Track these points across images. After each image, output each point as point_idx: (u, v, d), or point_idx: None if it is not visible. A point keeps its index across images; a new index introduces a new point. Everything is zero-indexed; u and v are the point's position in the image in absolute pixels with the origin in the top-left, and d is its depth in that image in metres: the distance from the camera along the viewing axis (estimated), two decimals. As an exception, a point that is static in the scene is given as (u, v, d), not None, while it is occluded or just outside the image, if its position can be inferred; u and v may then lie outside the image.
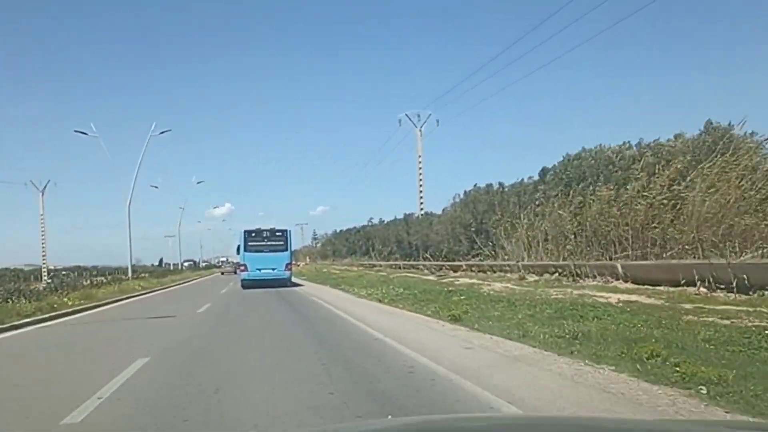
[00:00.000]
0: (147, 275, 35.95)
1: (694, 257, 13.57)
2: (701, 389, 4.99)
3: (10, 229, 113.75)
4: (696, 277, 11.85)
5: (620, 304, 12.03)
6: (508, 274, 21.68)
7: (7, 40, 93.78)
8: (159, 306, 17.26)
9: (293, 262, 34.65)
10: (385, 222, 55.84)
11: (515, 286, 18.07)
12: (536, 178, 27.31)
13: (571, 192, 20.46)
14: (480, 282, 20.56)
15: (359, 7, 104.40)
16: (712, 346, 6.78)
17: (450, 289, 19.52)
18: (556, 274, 18.50)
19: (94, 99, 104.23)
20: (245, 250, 26.40)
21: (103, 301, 17.85)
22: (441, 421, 2.65)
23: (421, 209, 44.36)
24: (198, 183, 57.35)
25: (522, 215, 23.80)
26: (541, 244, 22.16)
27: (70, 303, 15.72)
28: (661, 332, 7.98)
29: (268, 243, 26.49)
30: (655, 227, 15.78)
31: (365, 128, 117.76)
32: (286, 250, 27.00)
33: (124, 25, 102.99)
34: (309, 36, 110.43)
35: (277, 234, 27.01)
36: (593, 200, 18.04)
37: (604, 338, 7.88)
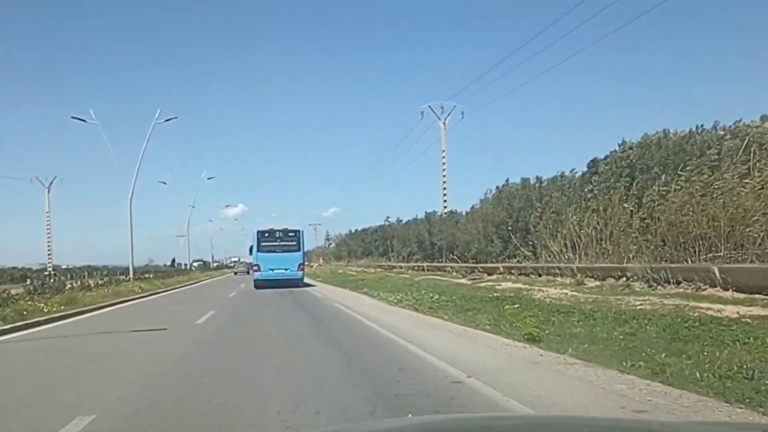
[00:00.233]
0: (151, 276, 33.40)
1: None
2: None
3: (22, 227, 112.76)
4: None
5: (748, 320, 9.13)
6: (559, 278, 18.76)
7: (8, 38, 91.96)
8: (152, 314, 14.58)
9: (306, 263, 36.24)
10: (404, 221, 53.04)
11: (576, 293, 15.14)
12: (583, 170, 24.36)
13: (635, 183, 17.50)
14: (527, 287, 17.66)
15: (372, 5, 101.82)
16: None
17: (495, 295, 16.71)
18: (623, 278, 15.56)
19: (102, 99, 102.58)
20: (258, 251, 26.36)
21: (89, 307, 15.23)
22: (456, 420, 2.68)
23: (445, 207, 41.48)
24: (209, 179, 54.82)
25: (569, 211, 20.87)
26: (596, 243, 19.22)
27: (46, 309, 13.09)
28: None
29: (281, 243, 26.50)
30: (757, 221, 12.80)
31: (379, 129, 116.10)
32: (299, 250, 27.02)
33: (131, 24, 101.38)
34: (322, 34, 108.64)
35: (290, 234, 27.04)
36: (668, 191, 15.07)
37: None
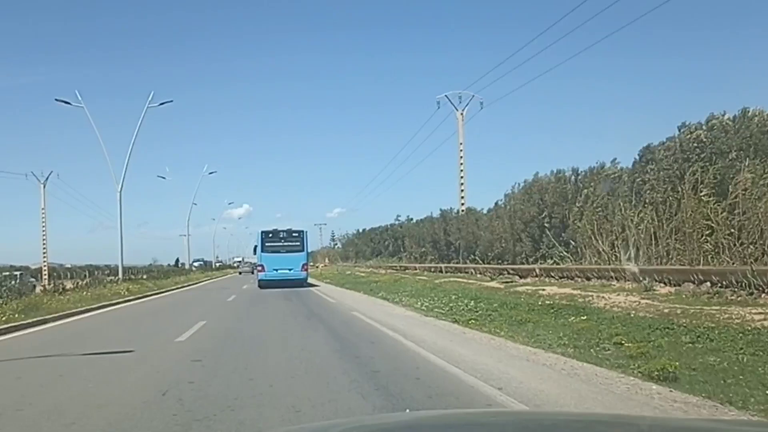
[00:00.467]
0: (145, 276, 30.72)
1: None
2: None
3: (24, 225, 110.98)
4: None
5: None
6: (614, 282, 15.89)
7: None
8: (126, 325, 11.78)
9: (311, 264, 36.31)
10: (416, 220, 50.20)
11: (649, 301, 12.26)
12: (619, 159, 21.49)
13: (710, 170, 14.62)
14: (579, 292, 14.81)
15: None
16: None
17: (546, 303, 13.91)
18: (705, 283, 12.68)
19: (112, 99, 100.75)
20: (262, 251, 26.31)
21: (54, 315, 12.45)
22: (452, 415, 2.64)
23: (462, 205, 38.58)
24: (210, 173, 52.42)
25: (623, 205, 18.01)
26: (656, 241, 16.36)
27: (-9, 319, 10.32)
28: None
29: (285, 244, 26.47)
30: None
31: (387, 128, 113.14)
32: (303, 250, 26.96)
33: (138, 23, 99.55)
34: (328, 31, 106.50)
35: (294, 235, 27.04)
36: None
37: None
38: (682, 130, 17.24)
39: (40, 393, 5.39)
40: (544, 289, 16.74)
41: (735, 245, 13.17)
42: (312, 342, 8.28)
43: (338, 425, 2.18)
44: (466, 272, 28.11)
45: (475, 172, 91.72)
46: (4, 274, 19.78)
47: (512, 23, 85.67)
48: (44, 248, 62.20)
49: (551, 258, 23.18)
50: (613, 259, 18.00)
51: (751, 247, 12.75)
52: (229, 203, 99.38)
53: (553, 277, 19.53)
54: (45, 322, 11.63)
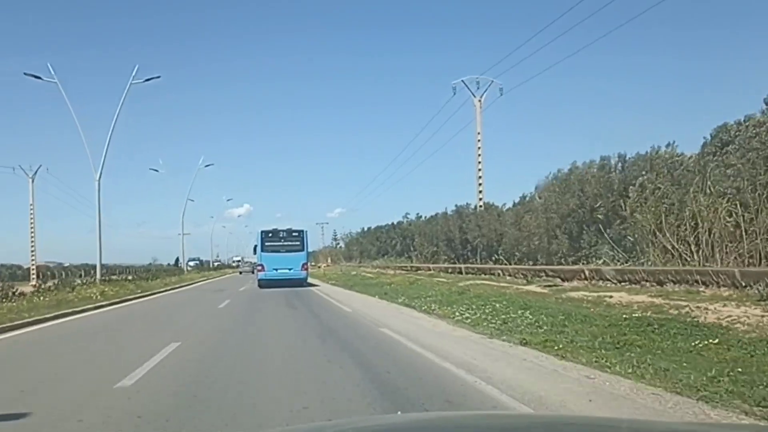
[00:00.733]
0: (131, 277, 27.57)
1: None
2: None
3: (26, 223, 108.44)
4: None
5: None
6: (701, 288, 12.68)
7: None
8: (57, 352, 8.17)
9: (313, 263, 33.86)
10: (426, 217, 46.96)
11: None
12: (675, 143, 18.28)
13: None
14: (665, 302, 11.60)
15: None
16: None
17: (634, 315, 10.75)
18: None
19: (112, 99, 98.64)
20: (262, 250, 26.19)
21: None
22: (450, 417, 2.62)
23: (480, 200, 35.38)
24: (206, 166, 49.78)
25: (699, 196, 14.83)
26: (747, 237, 13.21)
27: None
28: None
29: (285, 243, 26.37)
30: None
31: (385, 130, 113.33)
32: (303, 250, 26.83)
33: (141, 22, 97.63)
34: (330, 30, 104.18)
35: (294, 234, 26.94)
36: None
37: None
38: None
39: None
40: (610, 296, 13.53)
41: None
42: (339, 391, 5.04)
43: (332, 426, 2.13)
44: (492, 273, 24.91)
45: (492, 166, 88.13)
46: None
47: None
48: (32, 246, 58.96)
49: (598, 257, 20.01)
50: (686, 258, 14.89)
51: None
52: (228, 199, 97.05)
53: (609, 280, 16.32)
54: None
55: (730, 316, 9.57)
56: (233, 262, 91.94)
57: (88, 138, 21.49)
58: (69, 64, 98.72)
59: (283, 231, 27.29)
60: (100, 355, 7.66)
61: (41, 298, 14.50)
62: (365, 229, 69.87)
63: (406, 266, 42.70)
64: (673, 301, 11.66)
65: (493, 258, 29.05)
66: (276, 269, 25.75)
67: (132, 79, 22.10)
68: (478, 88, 36.04)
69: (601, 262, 18.89)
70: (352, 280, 32.17)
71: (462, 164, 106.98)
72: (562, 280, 18.98)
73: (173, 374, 6.09)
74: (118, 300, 17.65)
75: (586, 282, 17.49)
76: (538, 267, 21.43)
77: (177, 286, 28.77)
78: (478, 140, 35.70)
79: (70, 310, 13.48)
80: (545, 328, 9.95)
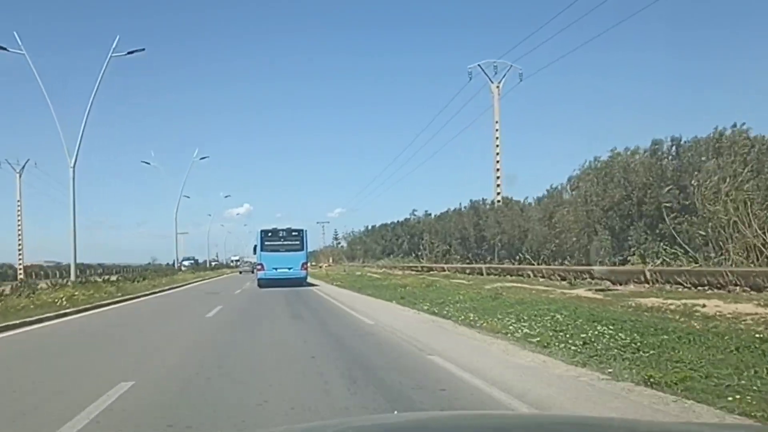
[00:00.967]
0: (117, 278, 24.73)
1: None
2: None
3: (29, 223, 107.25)
4: None
5: None
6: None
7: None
8: None
9: (314, 263, 32.86)
10: (436, 214, 44.10)
11: None
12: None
13: None
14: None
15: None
16: None
17: (758, 336, 7.87)
18: None
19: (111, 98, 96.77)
20: (262, 250, 26.20)
21: None
22: (447, 417, 2.60)
23: (499, 194, 32.54)
24: (201, 159, 47.78)
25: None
26: None
27: None
28: None
29: (285, 243, 26.34)
30: None
31: (385, 130, 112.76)
32: (302, 249, 26.74)
33: (141, 22, 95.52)
34: (329, 34, 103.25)
35: (294, 234, 26.88)
36: None
37: None
38: None
39: None
40: (702, 305, 10.69)
41: None
42: None
43: (330, 426, 2.13)
44: (519, 275, 22.11)
45: (510, 159, 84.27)
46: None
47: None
48: (20, 244, 56.20)
49: (650, 256, 17.18)
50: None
51: None
52: (226, 196, 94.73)
53: (680, 284, 13.48)
54: None
55: None
56: (231, 261, 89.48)
57: (71, 124, 18.61)
58: (69, 64, 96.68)
59: (282, 230, 27.09)
60: (21, 406, 4.80)
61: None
62: (369, 227, 67.06)
63: (415, 266, 39.88)
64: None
65: (518, 257, 26.28)
66: (276, 268, 25.64)
67: (112, 51, 19.26)
68: (495, 73, 33.24)
69: (659, 262, 16.08)
70: (359, 282, 29.33)
71: (472, 159, 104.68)
72: (613, 282, 16.18)
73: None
74: (88, 306, 14.78)
75: (647, 285, 14.67)
76: (578, 268, 18.61)
77: (166, 288, 25.88)
78: (496, 129, 32.85)
79: (13, 322, 10.58)
80: (650, 352, 7.15)
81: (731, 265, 13.02)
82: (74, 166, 19.33)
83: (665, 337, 8.03)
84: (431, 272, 32.42)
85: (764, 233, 12.70)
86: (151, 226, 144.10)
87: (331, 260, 77.72)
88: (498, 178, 32.65)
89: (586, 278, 17.29)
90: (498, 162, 32.78)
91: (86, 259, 63.65)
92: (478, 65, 33.25)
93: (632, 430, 1.95)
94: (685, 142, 18.28)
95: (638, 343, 7.67)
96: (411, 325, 10.34)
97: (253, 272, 38.04)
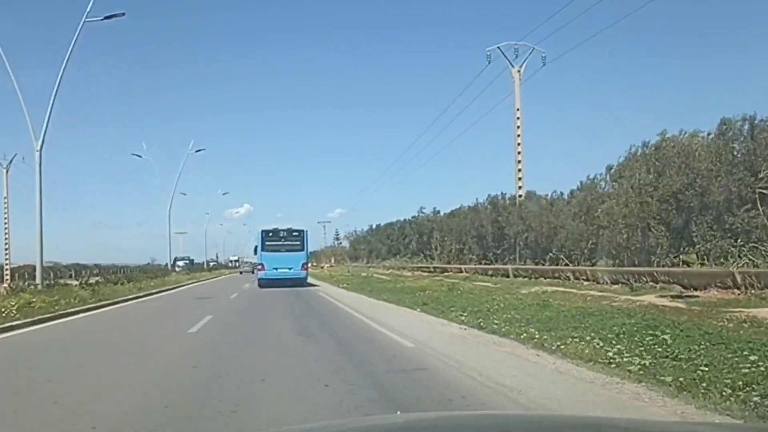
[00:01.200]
0: (95, 281, 21.99)
1: None
2: None
3: (28, 223, 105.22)
4: None
5: None
6: None
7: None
8: None
9: (314, 264, 37.20)
10: (447, 212, 41.35)
11: None
12: None
13: None
14: None
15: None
16: None
17: None
18: None
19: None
20: (263, 250, 26.32)
21: None
22: (450, 417, 2.59)
23: (520, 188, 29.77)
24: (197, 151, 45.80)
25: None
26: None
27: None
28: None
29: (285, 243, 26.35)
30: None
31: (385, 130, 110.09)
32: (303, 250, 26.66)
33: (141, 22, 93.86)
34: (329, 34, 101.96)
35: (294, 234, 26.90)
36: None
37: None
38: None
39: None
40: None
41: None
42: None
43: (332, 426, 2.14)
44: (555, 276, 19.33)
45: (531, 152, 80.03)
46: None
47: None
48: (6, 244, 53.17)
49: (723, 255, 14.43)
50: None
51: None
52: (224, 193, 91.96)
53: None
54: None
55: None
56: (230, 262, 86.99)
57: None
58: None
59: (283, 231, 27.07)
60: None
61: None
62: (373, 226, 64.20)
63: (426, 267, 37.07)
64: None
65: (547, 257, 23.53)
66: (276, 269, 25.55)
67: (86, 16, 16.44)
68: (516, 57, 30.45)
69: (742, 263, 13.29)
70: (368, 284, 26.56)
71: (483, 154, 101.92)
72: (684, 287, 13.39)
73: None
74: (48, 316, 11.97)
75: (736, 291, 11.89)
76: (634, 269, 15.81)
77: (153, 291, 23.04)
78: (517, 118, 30.04)
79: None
80: None
81: None
82: (41, 150, 16.53)
83: None
84: (446, 273, 29.64)
85: None
86: (151, 226, 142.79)
87: (332, 260, 75.08)
88: (519, 171, 29.85)
89: (646, 281, 14.51)
90: (519, 153, 29.98)
91: (86, 260, 61.75)
92: (498, 48, 30.47)
93: (634, 430, 1.92)
94: (761, 120, 15.51)
95: None
96: (464, 346, 7.55)
97: (253, 272, 38.19)
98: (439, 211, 44.53)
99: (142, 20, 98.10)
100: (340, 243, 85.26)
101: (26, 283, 16.47)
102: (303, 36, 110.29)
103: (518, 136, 30.13)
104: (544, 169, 72.63)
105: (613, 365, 6.35)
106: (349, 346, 7.88)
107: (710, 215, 16.02)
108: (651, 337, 7.85)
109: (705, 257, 14.87)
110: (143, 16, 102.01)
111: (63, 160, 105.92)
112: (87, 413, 4.55)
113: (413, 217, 47.84)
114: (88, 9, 16.30)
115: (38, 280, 17.05)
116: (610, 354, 6.90)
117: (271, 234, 26.77)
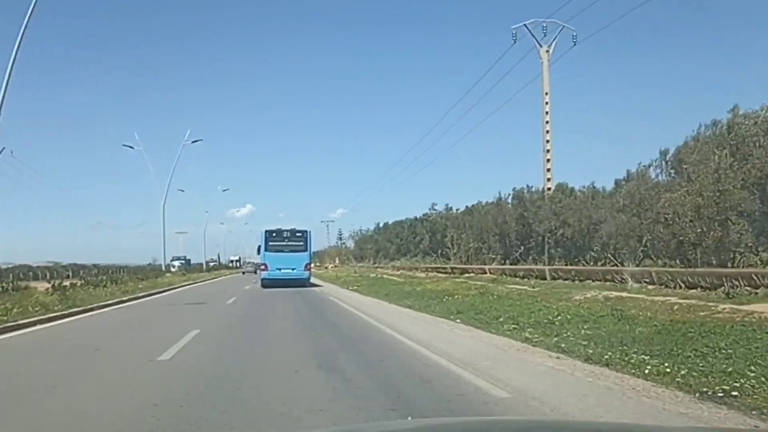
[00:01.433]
0: (80, 282, 19.32)
1: None
2: None
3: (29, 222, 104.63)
4: None
5: None
6: None
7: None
8: None
9: (318, 264, 36.19)
10: (459, 209, 38.52)
11: None
12: None
13: None
14: None
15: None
16: None
17: None
18: None
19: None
20: (266, 250, 26.29)
21: None
22: (457, 423, 2.57)
23: (549, 180, 26.97)
24: (194, 142, 44.09)
25: None
26: None
27: None
28: None
29: (289, 243, 26.42)
30: None
31: (386, 130, 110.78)
32: (306, 250, 26.72)
33: (141, 22, 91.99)
34: (329, 34, 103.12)
35: (297, 234, 26.96)
36: None
37: None
38: None
39: None
40: None
41: None
42: None
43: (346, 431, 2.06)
44: (607, 279, 16.51)
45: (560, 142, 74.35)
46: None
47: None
48: (-6, 243, 50.52)
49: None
50: None
51: None
52: (224, 190, 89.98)
53: None
54: None
55: None
56: (230, 262, 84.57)
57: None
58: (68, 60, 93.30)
59: (286, 231, 27.10)
60: None
61: None
62: (380, 225, 61.34)
63: (442, 267, 34.21)
64: None
65: (589, 255, 20.73)
66: (279, 269, 25.48)
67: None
68: (544, 36, 27.64)
69: None
70: (382, 287, 23.81)
71: (500, 146, 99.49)
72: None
73: None
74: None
75: None
76: (719, 271, 12.97)
77: (141, 294, 20.24)
78: (546, 102, 27.22)
79: None
80: None
81: None
82: None
83: None
84: (466, 275, 26.82)
85: None
86: (152, 226, 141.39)
87: (337, 261, 72.36)
88: (548, 161, 27.03)
89: (740, 285, 11.66)
90: (548, 143, 27.18)
91: (86, 260, 59.55)
92: (524, 25, 27.64)
93: None
94: None
95: None
96: (593, 398, 4.75)
97: (255, 272, 38.36)
98: (451, 208, 41.76)
99: (142, 20, 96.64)
100: (344, 243, 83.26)
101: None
102: (303, 36, 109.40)
103: (546, 122, 27.31)
104: (573, 159, 69.05)
105: None
106: (398, 391, 5.05)
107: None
108: None
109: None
110: (143, 16, 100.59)
111: (63, 161, 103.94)
112: None
113: (424, 214, 44.98)
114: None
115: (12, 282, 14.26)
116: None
117: (274, 234, 26.72)
